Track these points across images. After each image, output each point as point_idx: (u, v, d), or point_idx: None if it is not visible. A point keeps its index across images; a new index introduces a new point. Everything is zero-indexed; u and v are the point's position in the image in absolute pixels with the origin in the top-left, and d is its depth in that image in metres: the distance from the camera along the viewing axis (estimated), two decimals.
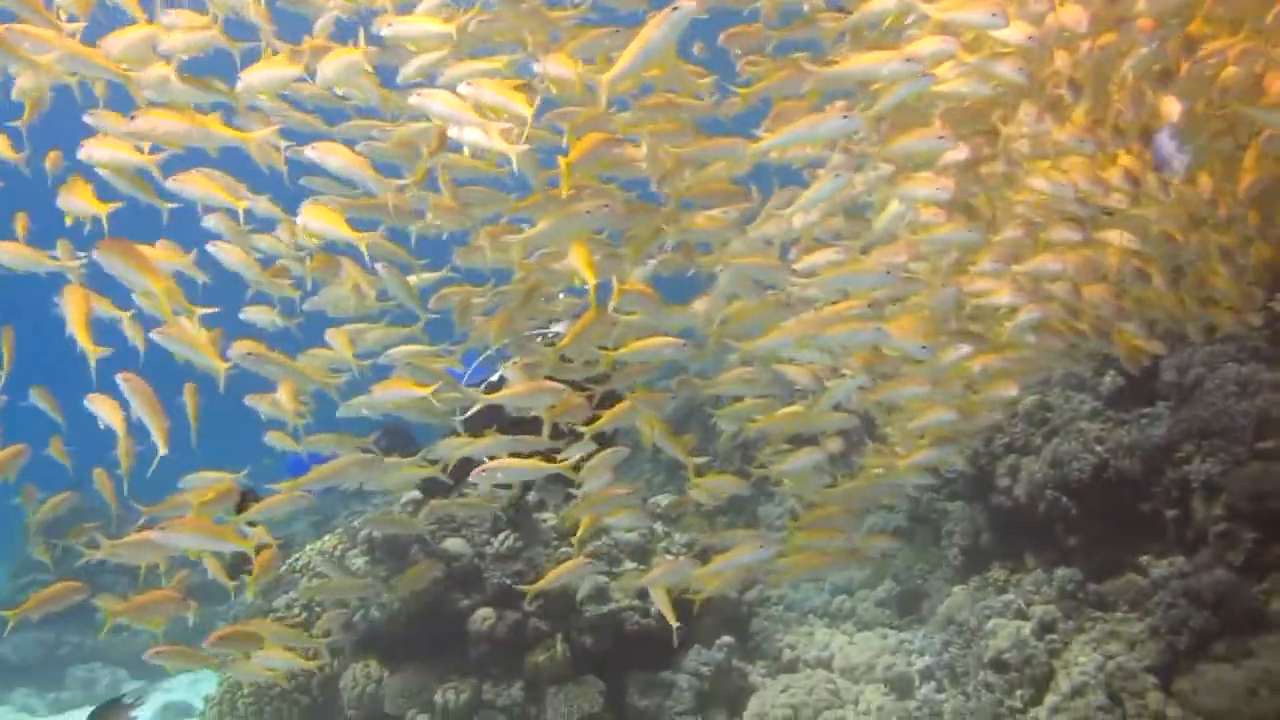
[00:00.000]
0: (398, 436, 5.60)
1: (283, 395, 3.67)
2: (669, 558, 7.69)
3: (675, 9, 2.99)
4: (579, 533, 4.53)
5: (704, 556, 6.65)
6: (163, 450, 3.31)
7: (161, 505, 3.74)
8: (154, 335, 3.37)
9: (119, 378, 3.25)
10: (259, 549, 3.73)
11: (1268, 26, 3.36)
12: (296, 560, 7.88)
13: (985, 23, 3.18)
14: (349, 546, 7.62)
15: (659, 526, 8.06)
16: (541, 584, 4.48)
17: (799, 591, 8.90)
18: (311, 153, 3.44)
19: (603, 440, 4.21)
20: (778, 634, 8.20)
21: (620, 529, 5.13)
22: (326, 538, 7.93)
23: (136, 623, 3.77)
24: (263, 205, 3.73)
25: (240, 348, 3.56)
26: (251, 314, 3.94)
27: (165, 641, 3.96)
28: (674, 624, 4.49)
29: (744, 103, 3.51)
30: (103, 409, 3.40)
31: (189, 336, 3.39)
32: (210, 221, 3.74)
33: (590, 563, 4.82)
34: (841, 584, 9.26)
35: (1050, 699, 6.14)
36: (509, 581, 7.08)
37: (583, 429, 4.04)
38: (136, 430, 3.57)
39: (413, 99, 3.26)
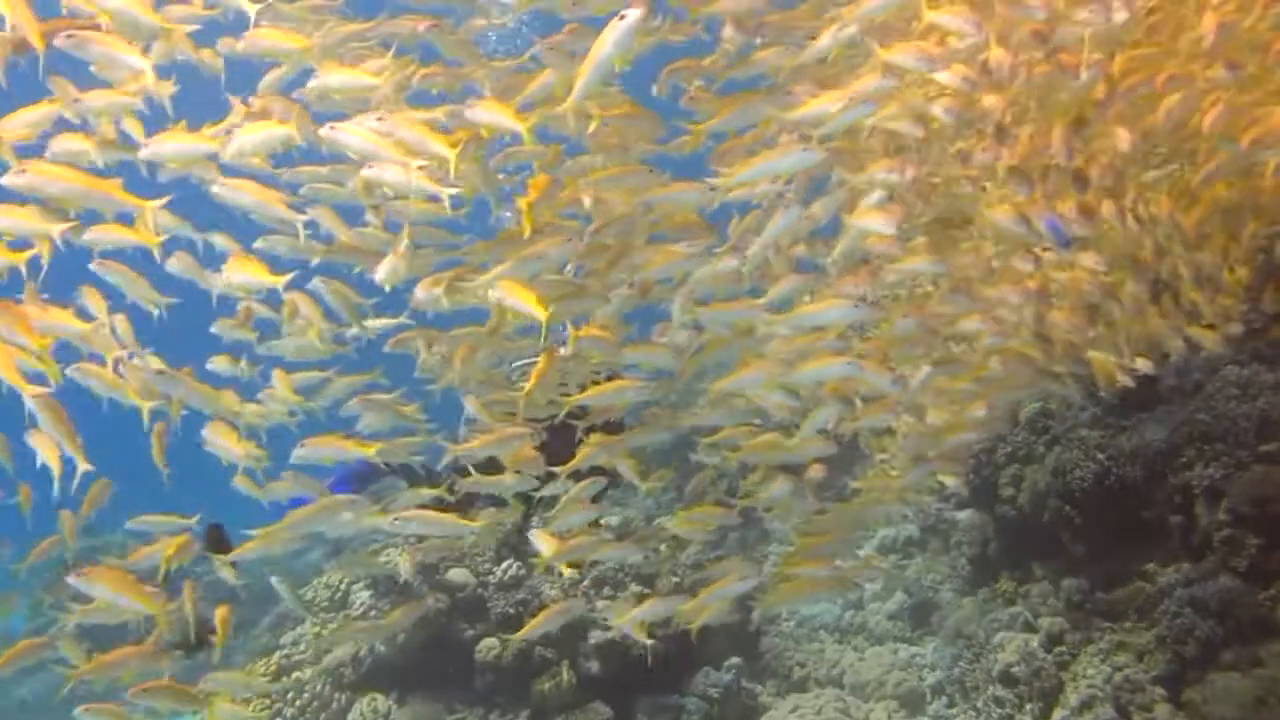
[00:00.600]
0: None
1: (231, 442, 3.64)
2: (673, 579, 7.67)
3: (623, 16, 2.95)
4: (565, 575, 4.53)
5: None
6: (83, 466, 3.27)
7: (130, 557, 3.73)
8: (70, 372, 3.35)
9: (28, 397, 3.19)
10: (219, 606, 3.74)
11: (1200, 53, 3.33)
12: (304, 594, 7.89)
13: (914, 65, 3.18)
14: (353, 580, 7.62)
15: (663, 548, 8.03)
16: (523, 632, 4.49)
17: (810, 607, 8.85)
18: (219, 189, 3.42)
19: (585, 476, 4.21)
20: (788, 652, 8.15)
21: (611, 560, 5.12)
22: (333, 572, 7.93)
23: (103, 678, 3.74)
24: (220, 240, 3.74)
25: (143, 373, 3.53)
26: (217, 364, 3.95)
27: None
28: (647, 643, 4.48)
29: (696, 141, 3.50)
30: (43, 446, 3.36)
31: (104, 374, 3.38)
32: (174, 263, 3.73)
33: (573, 604, 4.79)
34: (853, 598, 9.22)
35: (1059, 713, 6.08)
36: (512, 610, 7.07)
37: (557, 469, 4.05)
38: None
39: (324, 132, 3.22)
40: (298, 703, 7.09)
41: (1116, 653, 6.15)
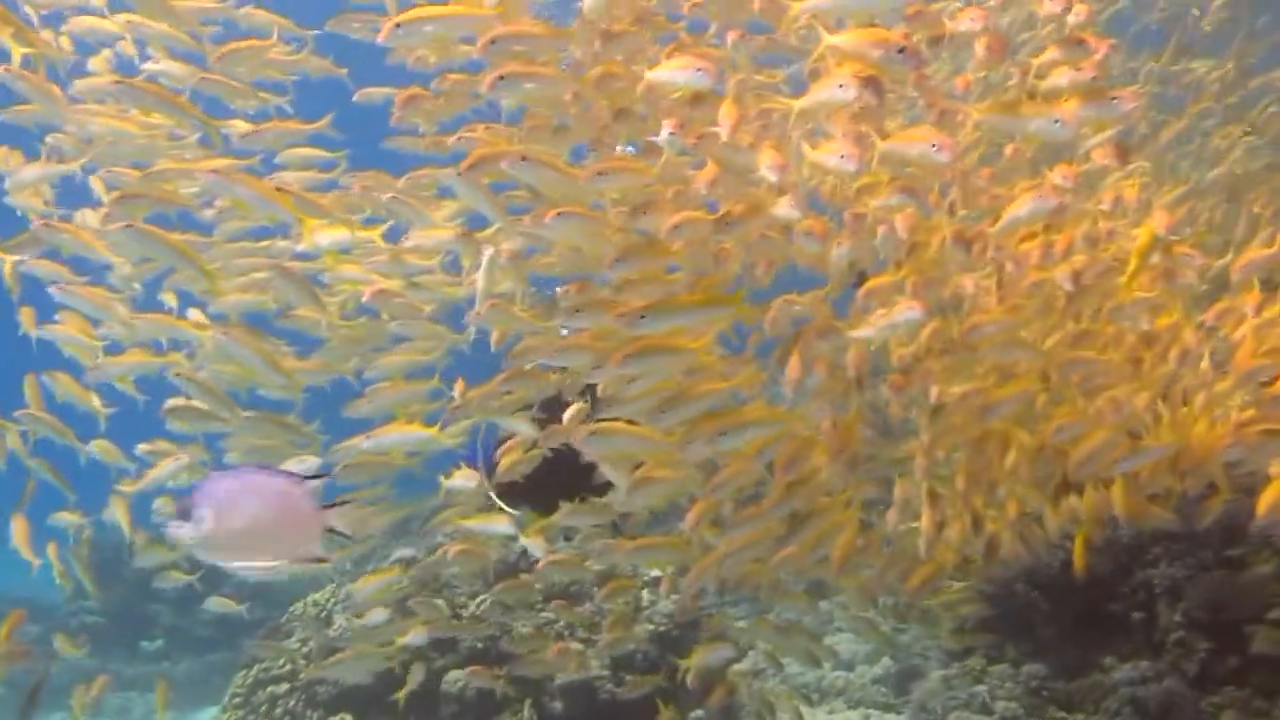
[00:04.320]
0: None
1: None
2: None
3: None
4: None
5: None
6: None
7: None
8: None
9: None
10: None
11: None
12: (295, 610, 8.16)
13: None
14: (338, 601, 7.87)
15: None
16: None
17: (794, 666, 8.87)
18: None
19: None
20: (761, 711, 8.16)
21: None
22: (322, 592, 8.18)
23: None
24: None
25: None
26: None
27: None
28: None
29: None
30: None
31: None
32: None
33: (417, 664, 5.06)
34: (845, 658, 9.24)
35: None
36: (480, 645, 7.24)
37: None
38: None
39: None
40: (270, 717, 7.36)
41: None
